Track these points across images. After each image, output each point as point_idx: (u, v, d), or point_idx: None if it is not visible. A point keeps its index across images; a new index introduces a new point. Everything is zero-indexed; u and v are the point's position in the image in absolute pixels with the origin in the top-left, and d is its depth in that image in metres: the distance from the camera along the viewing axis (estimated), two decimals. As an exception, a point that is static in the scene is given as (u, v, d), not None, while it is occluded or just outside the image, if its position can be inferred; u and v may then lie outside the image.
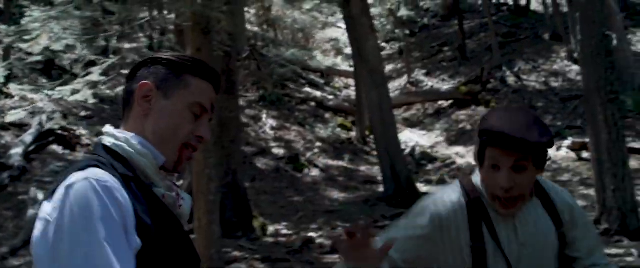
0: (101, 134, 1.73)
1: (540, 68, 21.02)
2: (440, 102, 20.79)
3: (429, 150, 17.75)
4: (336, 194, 14.54)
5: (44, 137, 13.38)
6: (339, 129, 19.10)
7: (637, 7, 23.51)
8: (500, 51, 21.86)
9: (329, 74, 23.56)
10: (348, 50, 23.42)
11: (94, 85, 7.73)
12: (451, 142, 18.43)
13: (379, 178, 14.60)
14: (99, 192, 1.48)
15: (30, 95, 15.08)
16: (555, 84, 19.99)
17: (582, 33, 10.35)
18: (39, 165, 12.45)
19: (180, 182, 10.74)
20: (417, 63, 24.14)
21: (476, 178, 2.33)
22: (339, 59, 24.90)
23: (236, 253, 9.14)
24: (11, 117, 12.91)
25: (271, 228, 11.35)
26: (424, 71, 23.40)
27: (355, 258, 2.01)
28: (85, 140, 13.81)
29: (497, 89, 20.43)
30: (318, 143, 17.42)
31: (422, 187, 15.01)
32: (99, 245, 1.44)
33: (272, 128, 17.96)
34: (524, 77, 20.75)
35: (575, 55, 16.98)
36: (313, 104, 20.20)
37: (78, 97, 8.22)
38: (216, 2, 7.16)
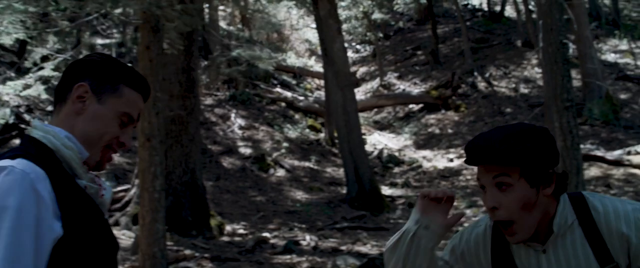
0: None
1: (511, 74, 21.18)
2: (410, 106, 20.88)
3: (396, 153, 17.80)
4: (299, 195, 14.55)
5: (7, 131, 13.26)
6: (308, 130, 19.10)
7: (608, 17, 23.72)
8: (473, 56, 22.00)
9: (301, 74, 23.57)
10: (321, 52, 23.44)
11: (46, 80, 7.66)
12: (419, 145, 18.51)
13: (345, 180, 14.63)
14: (20, 183, 1.56)
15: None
16: (525, 90, 20.15)
17: (544, 40, 10.45)
18: None
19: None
20: (391, 66, 24.23)
21: None
22: (312, 60, 24.90)
23: (187, 252, 9.11)
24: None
25: (228, 228, 11.33)
26: (396, 74, 23.50)
27: (430, 215, 2.09)
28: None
29: (467, 93, 20.55)
30: (285, 144, 17.41)
31: (387, 190, 15.06)
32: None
33: (241, 127, 17.93)
34: (495, 82, 20.89)
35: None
36: (283, 104, 20.19)
37: (30, 91, 8.15)
38: (166, 0, 7.15)
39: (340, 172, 15.93)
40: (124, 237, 10.14)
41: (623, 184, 13.19)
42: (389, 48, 25.72)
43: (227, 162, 15.97)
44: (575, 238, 1.96)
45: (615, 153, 14.89)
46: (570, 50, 10.68)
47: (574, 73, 19.74)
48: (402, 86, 22.57)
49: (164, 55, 8.16)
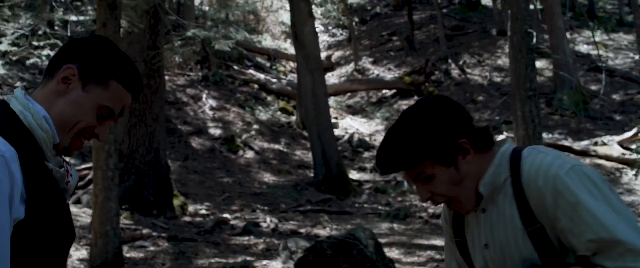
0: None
1: (485, 62, 21.27)
2: (384, 91, 20.90)
3: (367, 138, 17.85)
4: (267, 177, 14.55)
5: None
6: (279, 113, 19.08)
7: (582, 8, 23.87)
8: (448, 44, 22.05)
9: (276, 56, 23.50)
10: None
11: (2, 55, 7.57)
12: (390, 131, 18.54)
13: (313, 163, 14.66)
14: None
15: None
16: (498, 79, 20.24)
17: (511, 30, 10.50)
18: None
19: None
20: (366, 51, 24.21)
21: None
22: (288, 43, 24.81)
23: (145, 231, 9.08)
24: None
25: (191, 208, 11.31)
26: (371, 59, 23.49)
27: None
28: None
29: (441, 81, 20.62)
30: (256, 126, 17.38)
31: (355, 175, 15.11)
32: None
33: (212, 108, 17.86)
34: (469, 70, 20.97)
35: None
36: (256, 86, 20.13)
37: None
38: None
39: (310, 156, 15.95)
40: (85, 215, 10.08)
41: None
42: (365, 33, 25.69)
43: (196, 142, 15.92)
44: (507, 196, 1.89)
45: (583, 144, 15.04)
46: (537, 41, 10.73)
47: (546, 63, 19.98)
48: (376, 71, 22.58)
49: (129, 34, 8.10)
